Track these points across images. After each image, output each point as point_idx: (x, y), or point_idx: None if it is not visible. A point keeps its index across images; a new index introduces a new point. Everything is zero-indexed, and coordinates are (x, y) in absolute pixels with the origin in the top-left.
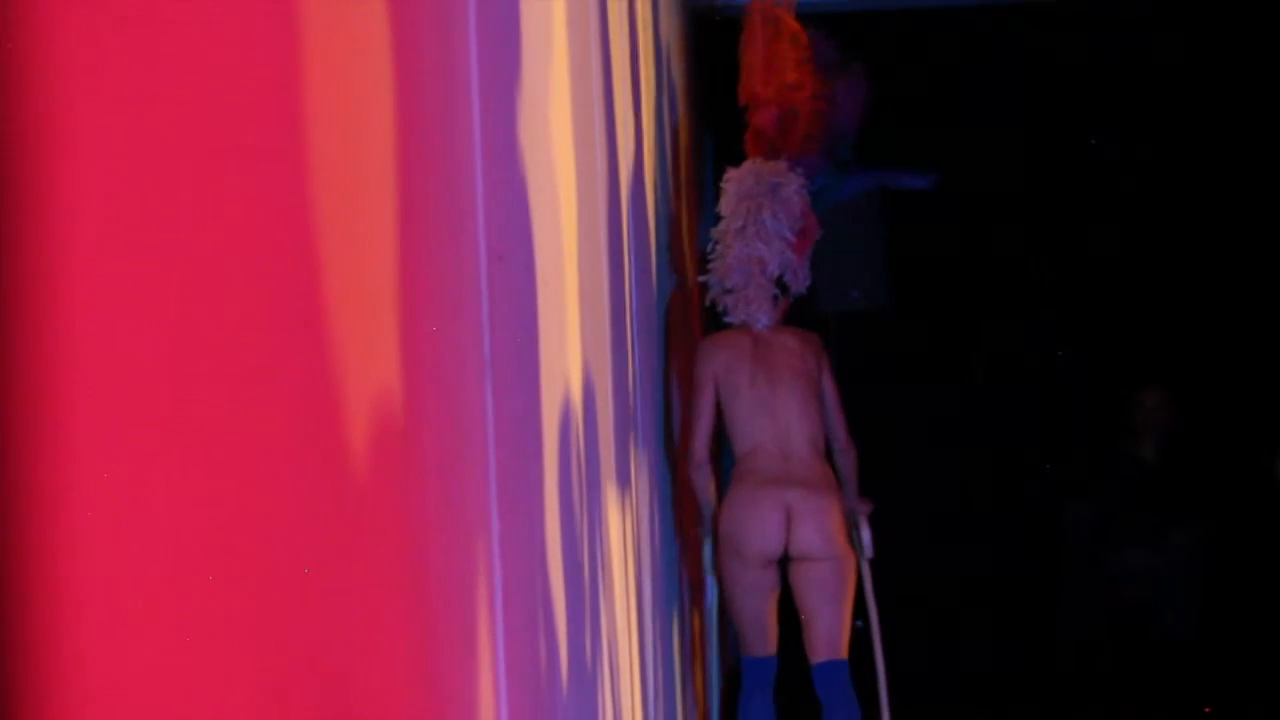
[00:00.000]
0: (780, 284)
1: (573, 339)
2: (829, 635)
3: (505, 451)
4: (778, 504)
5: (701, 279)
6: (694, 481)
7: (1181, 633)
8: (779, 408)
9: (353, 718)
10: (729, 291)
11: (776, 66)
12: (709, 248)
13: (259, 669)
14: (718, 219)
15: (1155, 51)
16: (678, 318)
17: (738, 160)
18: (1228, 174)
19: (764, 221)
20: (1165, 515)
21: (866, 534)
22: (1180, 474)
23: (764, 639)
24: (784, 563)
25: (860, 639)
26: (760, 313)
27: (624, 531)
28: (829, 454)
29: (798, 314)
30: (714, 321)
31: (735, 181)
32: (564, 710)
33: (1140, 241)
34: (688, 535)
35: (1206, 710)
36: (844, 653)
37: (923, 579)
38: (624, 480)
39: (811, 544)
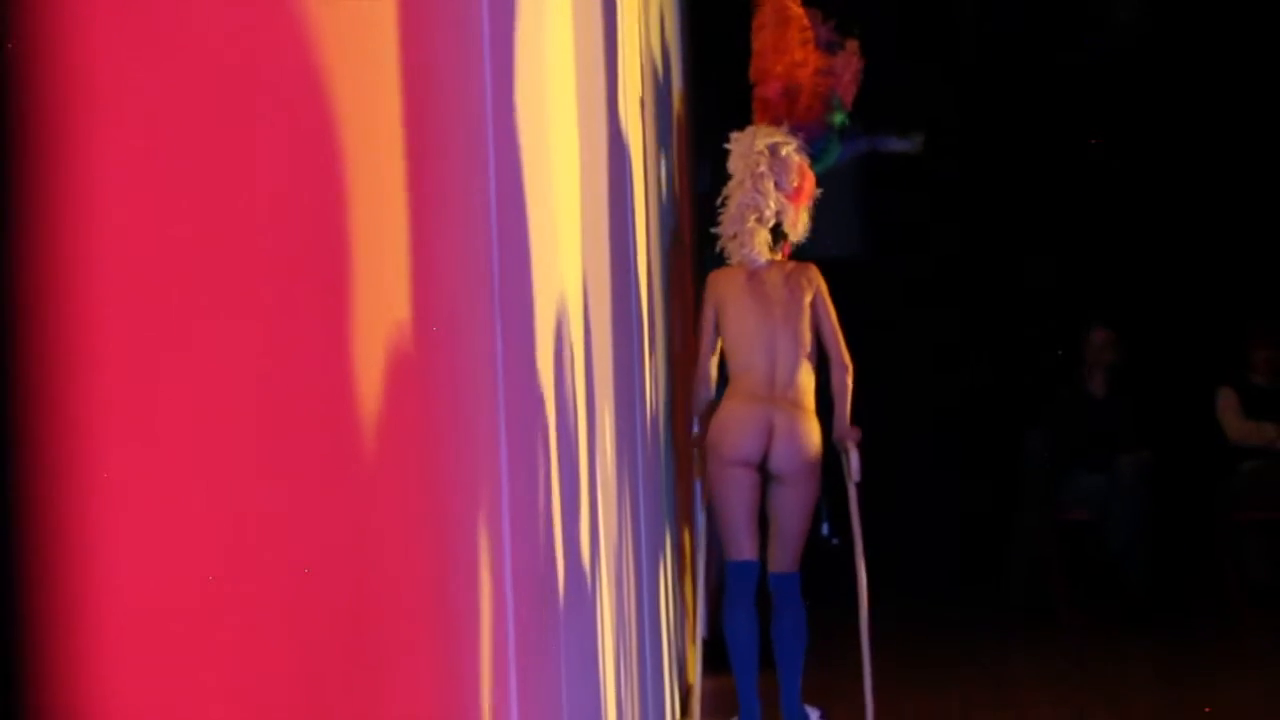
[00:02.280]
0: (777, 231)
1: (573, 280)
2: (785, 552)
3: (511, 380)
4: (762, 419)
5: (713, 230)
6: (696, 392)
7: (1125, 548)
8: (770, 335)
9: (373, 623)
10: (732, 237)
11: (783, 47)
12: (718, 202)
13: (290, 593)
14: (727, 177)
15: (1116, 30)
16: (675, 259)
17: (731, 124)
18: (1183, 143)
19: (762, 175)
20: (1112, 443)
21: (855, 460)
22: (1126, 406)
23: (744, 543)
24: (765, 478)
25: (842, 552)
26: (755, 253)
27: (620, 449)
28: (821, 377)
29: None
30: (701, 268)
31: (739, 143)
32: (565, 614)
33: (1095, 195)
34: (681, 449)
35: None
36: (796, 567)
37: (894, 499)
38: (622, 403)
39: (789, 463)
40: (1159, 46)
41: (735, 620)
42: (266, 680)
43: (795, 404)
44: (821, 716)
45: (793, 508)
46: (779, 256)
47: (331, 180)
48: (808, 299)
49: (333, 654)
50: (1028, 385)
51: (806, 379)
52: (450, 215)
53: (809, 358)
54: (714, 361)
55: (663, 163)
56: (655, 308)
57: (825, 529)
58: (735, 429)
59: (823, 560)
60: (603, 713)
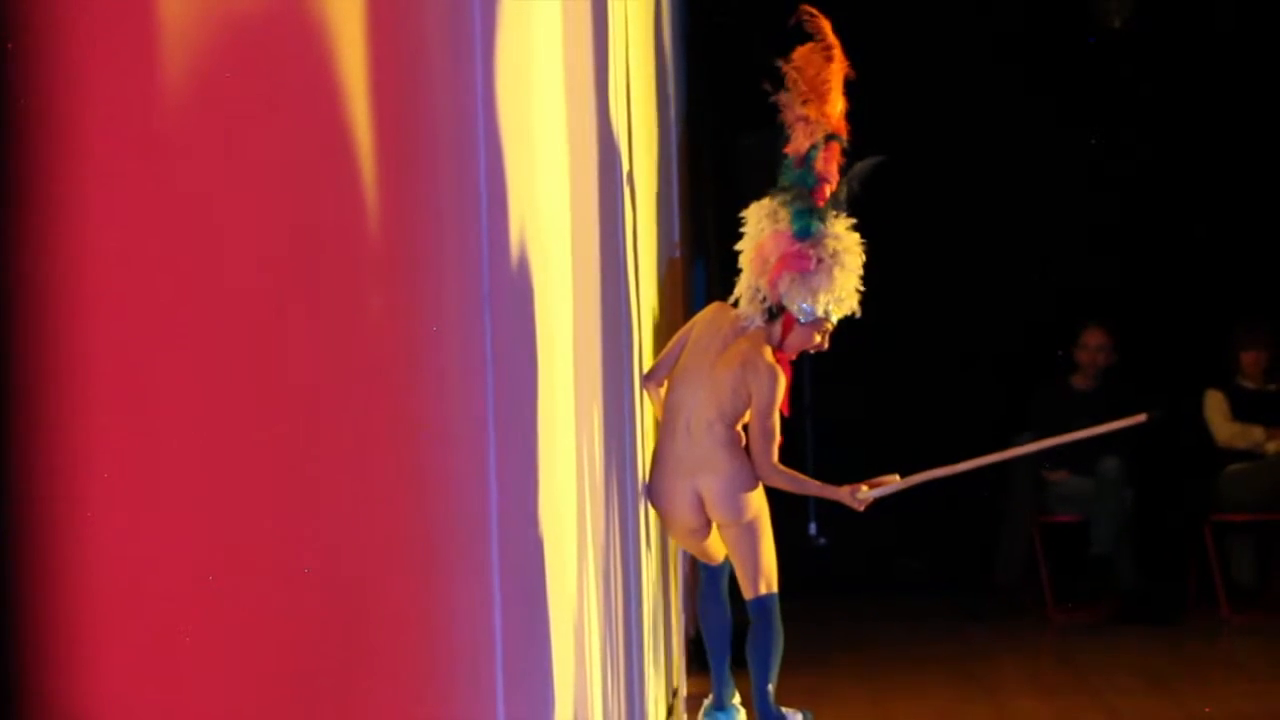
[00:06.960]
0: (767, 307)
1: (562, 277)
2: (747, 582)
3: (501, 380)
4: (690, 491)
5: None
6: (649, 395)
7: (1111, 550)
8: (694, 384)
9: (361, 623)
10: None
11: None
12: None
13: (282, 593)
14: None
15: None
16: (669, 280)
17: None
18: (1173, 144)
19: (749, 254)
20: (1097, 445)
21: (885, 489)
22: (1112, 407)
23: (709, 558)
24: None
25: (829, 550)
26: (743, 315)
27: (609, 450)
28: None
29: None
30: (692, 266)
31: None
32: (553, 614)
33: (1085, 196)
34: None
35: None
36: (762, 590)
37: (882, 500)
38: (612, 404)
39: (723, 515)
40: (1156, 52)
41: (704, 610)
42: (258, 678)
43: (713, 462)
44: (805, 719)
45: (735, 546)
46: (772, 327)
47: (325, 180)
48: (735, 377)
49: (323, 654)
50: (1017, 388)
51: (720, 433)
52: (441, 214)
53: (724, 420)
54: (660, 391)
55: (657, 160)
56: (645, 306)
57: (813, 528)
58: (671, 509)
59: (810, 560)
60: (589, 715)
